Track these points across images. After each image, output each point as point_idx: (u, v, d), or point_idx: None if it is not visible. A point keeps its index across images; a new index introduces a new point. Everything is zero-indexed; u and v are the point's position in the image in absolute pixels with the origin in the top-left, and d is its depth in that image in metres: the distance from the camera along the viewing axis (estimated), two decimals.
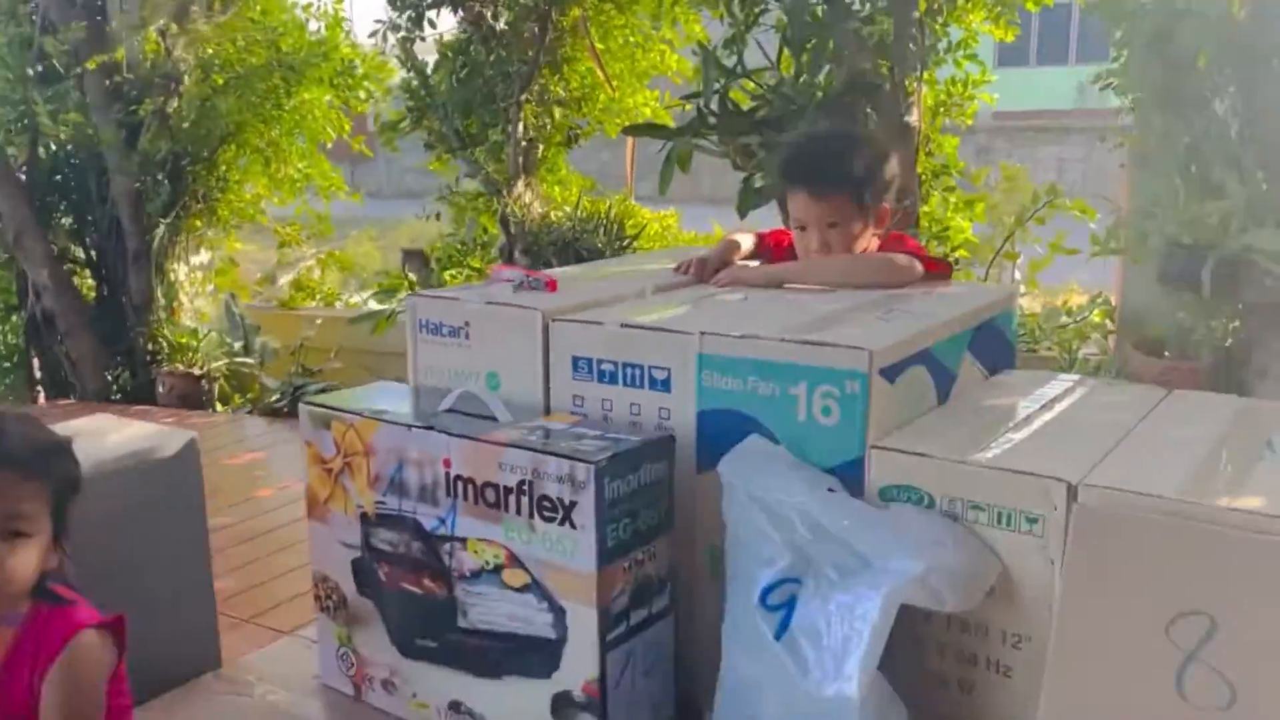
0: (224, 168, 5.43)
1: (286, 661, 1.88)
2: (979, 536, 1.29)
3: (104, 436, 1.87)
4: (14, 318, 5.79)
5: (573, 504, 1.37)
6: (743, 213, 3.81)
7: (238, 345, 5.26)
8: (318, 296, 6.27)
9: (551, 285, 1.84)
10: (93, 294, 5.82)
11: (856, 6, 3.99)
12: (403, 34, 4.71)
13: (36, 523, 1.30)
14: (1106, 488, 1.21)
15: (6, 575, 1.28)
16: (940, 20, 4.35)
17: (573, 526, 1.38)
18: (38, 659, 1.33)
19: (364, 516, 1.63)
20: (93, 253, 5.75)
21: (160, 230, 5.31)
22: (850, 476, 1.40)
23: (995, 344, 1.78)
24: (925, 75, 4.07)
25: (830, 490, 1.36)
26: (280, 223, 5.96)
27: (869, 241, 1.98)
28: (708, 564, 1.54)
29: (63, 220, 5.76)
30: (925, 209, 4.35)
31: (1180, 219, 3.48)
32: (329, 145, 6.09)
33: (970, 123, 4.37)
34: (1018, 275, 4.43)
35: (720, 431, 1.49)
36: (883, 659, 1.27)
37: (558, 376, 1.66)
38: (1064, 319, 4.30)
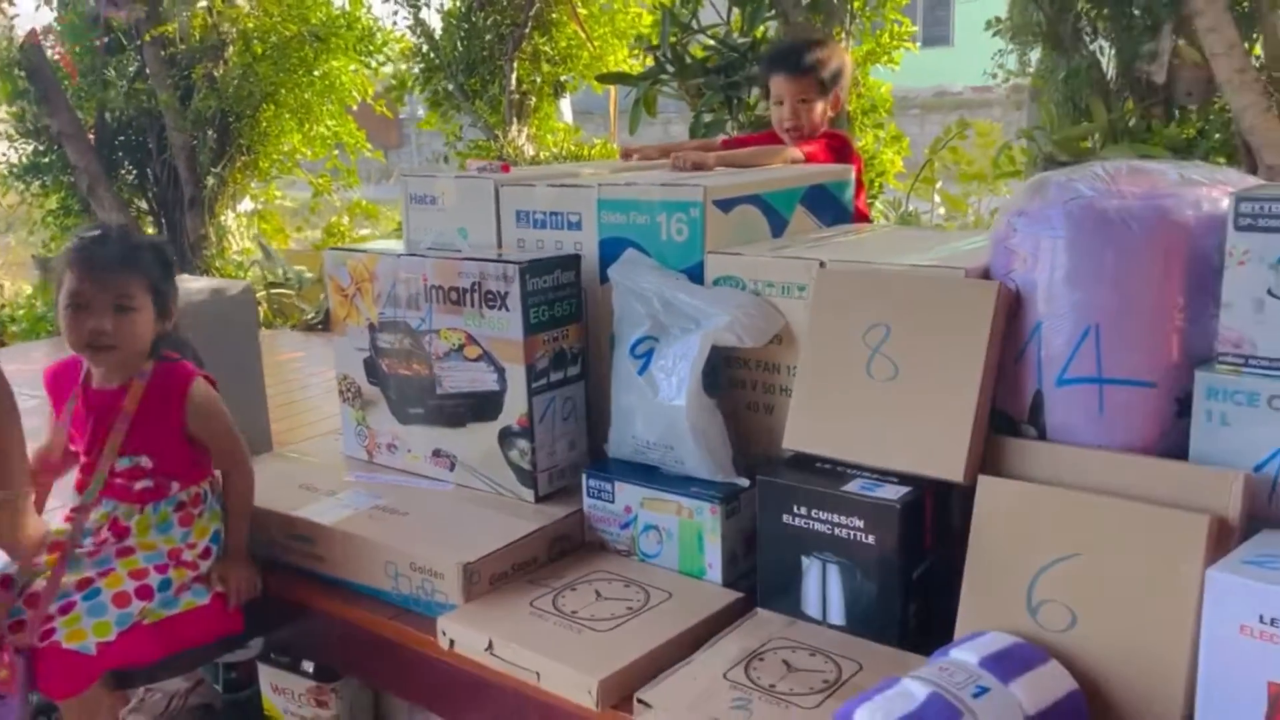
0: (264, 124, 6.01)
1: (320, 446, 2.47)
2: (770, 302, 1.85)
3: (187, 284, 2.45)
4: None
5: (505, 294, 1.94)
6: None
7: (277, 274, 5.84)
8: (347, 240, 6.85)
9: (505, 168, 2.40)
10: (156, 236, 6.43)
11: None
12: (410, 2, 5.25)
13: (138, 299, 1.81)
14: (838, 261, 1.77)
15: (123, 339, 1.80)
16: None
17: (506, 310, 1.95)
18: (168, 401, 1.88)
19: (371, 326, 2.20)
20: (154, 201, 6.36)
21: (210, 180, 5.89)
22: (695, 273, 1.96)
23: (829, 204, 2.32)
24: (853, 28, 4.57)
25: (677, 281, 1.93)
26: (313, 174, 6.55)
27: (824, 118, 2.64)
28: (609, 346, 2.10)
29: (127, 175, 6.35)
30: (860, 144, 4.86)
31: (1055, 139, 3.99)
32: (354, 107, 6.64)
33: (898, 67, 4.87)
34: (936, 198, 4.93)
35: (614, 253, 2.05)
36: (720, 397, 1.84)
37: (507, 227, 2.23)
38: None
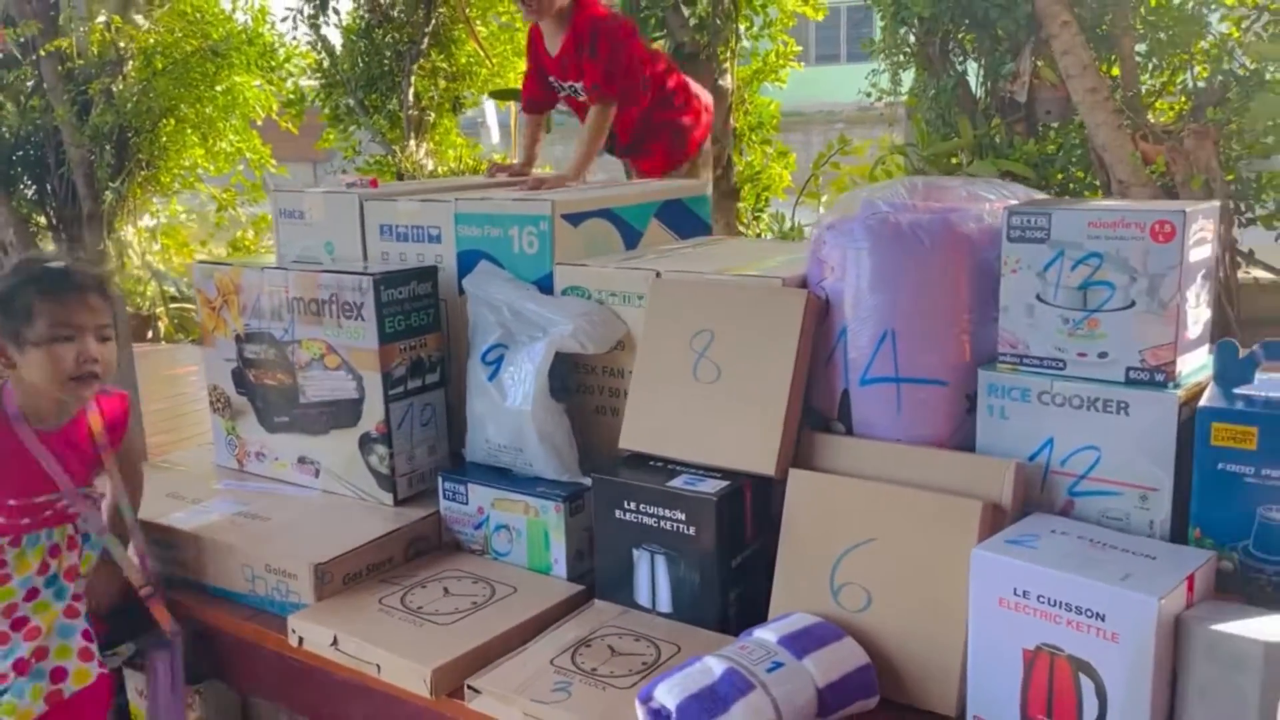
0: (164, 139, 5.94)
1: (194, 456, 2.49)
2: (614, 311, 1.94)
3: None
4: None
5: (361, 305, 2.00)
6: None
7: (180, 289, 5.80)
8: (251, 253, 6.80)
9: (373, 183, 2.46)
10: None
11: None
12: (309, 18, 5.27)
13: (110, 328, 1.77)
14: (674, 272, 1.86)
15: (105, 366, 1.75)
16: (758, 1, 4.99)
17: (362, 320, 2.00)
18: (117, 429, 1.88)
19: (238, 337, 2.24)
20: (53, 216, 6.23)
21: (109, 195, 5.80)
22: (545, 284, 2.04)
23: (686, 217, 2.42)
24: (737, 47, 4.71)
25: (527, 290, 2.01)
26: (218, 188, 6.49)
27: None
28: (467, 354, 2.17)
29: (26, 190, 6.22)
30: (749, 159, 5.01)
31: (925, 155, 4.17)
32: (259, 123, 6.60)
33: (784, 85, 5.03)
34: (822, 210, 5.08)
35: (471, 264, 2.13)
36: (569, 402, 1.92)
37: (371, 240, 2.29)
38: None
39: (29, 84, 5.95)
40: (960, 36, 4.27)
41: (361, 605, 1.76)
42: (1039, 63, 4.17)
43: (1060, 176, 4.13)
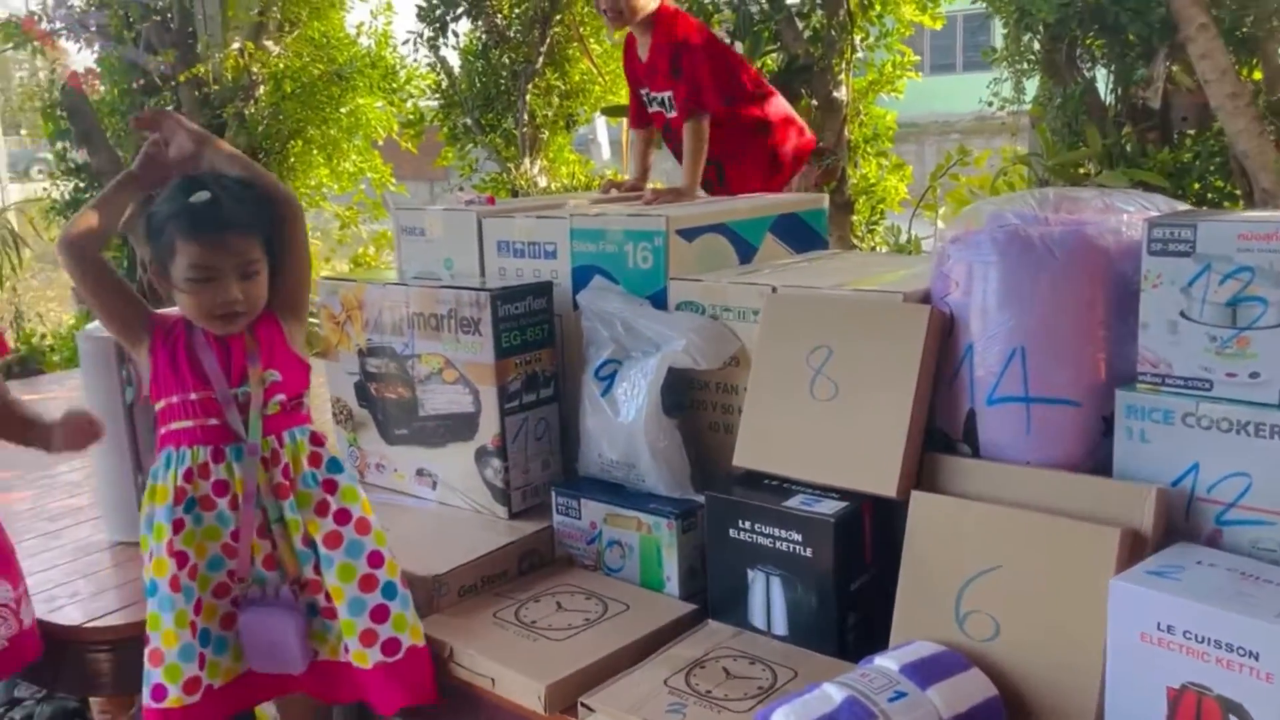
0: (292, 159, 6.18)
1: None
2: (727, 326, 1.92)
3: None
4: None
5: (479, 320, 2.02)
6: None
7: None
8: (373, 268, 7.01)
9: (491, 201, 2.50)
10: None
11: (792, 1, 4.58)
12: (429, 40, 5.42)
13: (258, 261, 1.65)
14: (790, 287, 1.83)
15: (250, 303, 1.65)
16: (875, 11, 4.90)
17: (479, 335, 2.03)
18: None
19: (360, 351, 2.30)
20: None
21: None
22: (659, 299, 2.03)
23: (801, 232, 2.38)
24: (854, 59, 4.64)
25: (640, 306, 2.00)
26: (341, 206, 6.71)
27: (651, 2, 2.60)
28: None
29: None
30: (863, 172, 4.92)
31: (1049, 165, 4.02)
32: (380, 143, 6.81)
33: (901, 95, 4.92)
34: (940, 224, 4.96)
35: (585, 280, 2.14)
36: (682, 418, 1.91)
37: (489, 256, 2.32)
38: None
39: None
40: (1088, 42, 4.11)
41: (476, 617, 1.77)
42: (1174, 67, 3.98)
43: (1197, 186, 3.93)
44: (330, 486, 1.70)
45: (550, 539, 2.01)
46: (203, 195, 1.61)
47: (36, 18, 5.96)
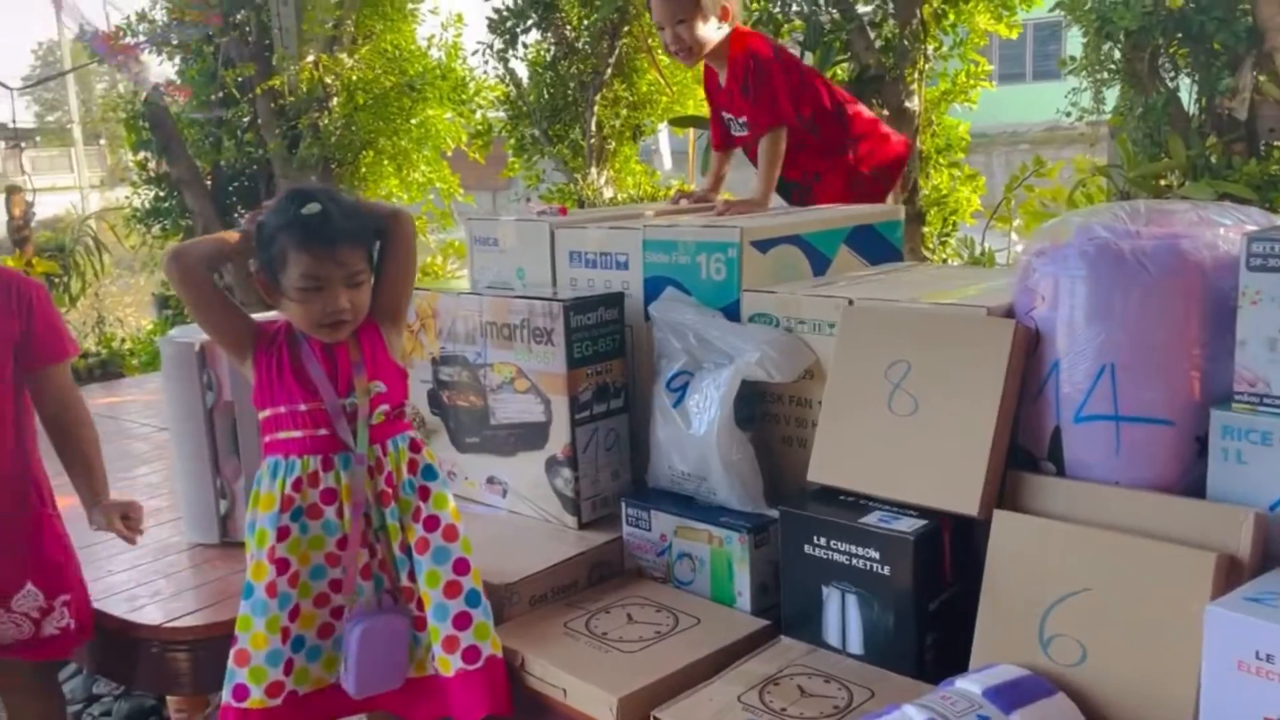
0: (363, 169, 6.29)
1: None
2: (801, 339, 1.89)
3: None
4: None
5: (551, 330, 2.03)
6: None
7: None
8: (440, 278, 7.10)
9: (563, 211, 2.51)
10: None
11: (863, 10, 4.54)
12: (499, 52, 5.48)
13: (363, 272, 1.70)
14: (867, 299, 1.80)
15: (355, 311, 1.68)
16: (948, 20, 4.84)
17: (552, 345, 2.04)
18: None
19: (433, 359, 2.32)
20: None
21: None
22: (732, 311, 2.02)
23: (877, 243, 2.35)
24: (926, 68, 4.58)
25: (713, 318, 1.99)
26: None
27: (716, 32, 2.53)
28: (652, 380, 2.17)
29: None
30: (935, 183, 4.85)
31: (1130, 177, 3.93)
32: (448, 154, 6.90)
33: (975, 105, 4.84)
34: (1014, 236, 4.87)
35: (657, 291, 2.13)
36: (754, 431, 1.89)
37: (561, 267, 2.33)
38: None
39: (244, 120, 6.43)
40: (1171, 51, 4.02)
41: (547, 627, 1.77)
42: (1261, 77, 3.87)
43: None
44: (424, 493, 1.72)
45: (620, 550, 2.00)
46: (314, 207, 1.65)
47: (122, 32, 6.14)
